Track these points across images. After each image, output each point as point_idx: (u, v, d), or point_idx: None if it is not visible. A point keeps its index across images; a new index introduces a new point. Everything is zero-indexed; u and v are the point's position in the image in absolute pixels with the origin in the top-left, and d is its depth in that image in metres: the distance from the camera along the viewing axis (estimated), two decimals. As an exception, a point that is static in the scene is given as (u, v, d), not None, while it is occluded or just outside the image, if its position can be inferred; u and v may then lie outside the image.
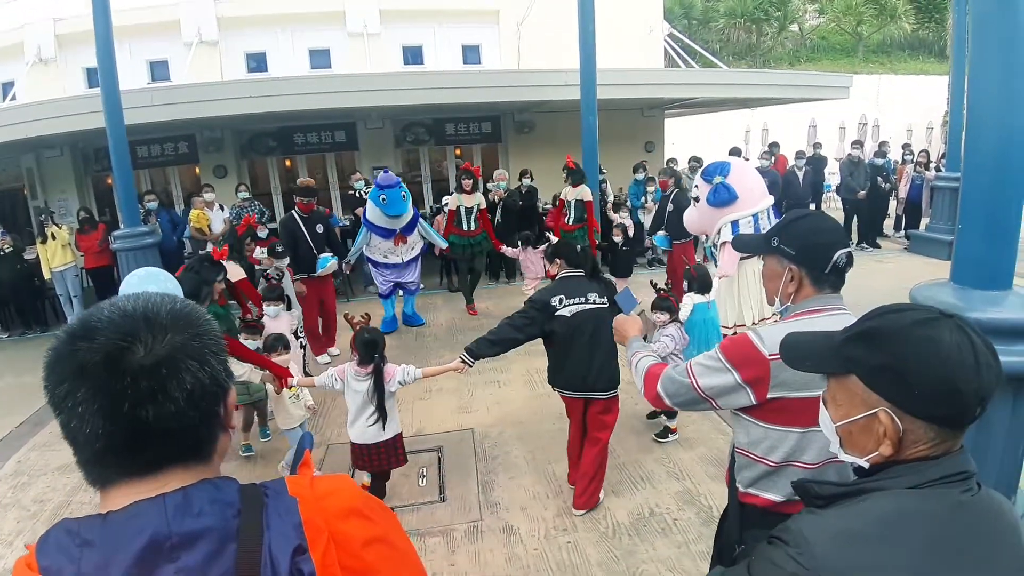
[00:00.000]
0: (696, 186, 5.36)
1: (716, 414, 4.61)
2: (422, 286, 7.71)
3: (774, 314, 3.74)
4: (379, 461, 3.56)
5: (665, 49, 14.63)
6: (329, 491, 0.84)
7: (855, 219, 10.91)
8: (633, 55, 13.09)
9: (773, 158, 11.04)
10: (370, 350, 3.46)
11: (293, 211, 6.39)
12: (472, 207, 7.78)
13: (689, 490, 3.76)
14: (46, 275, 8.31)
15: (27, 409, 5.68)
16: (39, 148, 10.40)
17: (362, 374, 3.49)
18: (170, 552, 0.71)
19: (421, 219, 7.19)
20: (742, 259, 4.92)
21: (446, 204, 9.03)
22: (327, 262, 6.23)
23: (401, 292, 7.36)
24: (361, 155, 11.91)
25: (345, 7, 12.30)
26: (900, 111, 19.40)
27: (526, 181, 9.56)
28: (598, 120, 8.75)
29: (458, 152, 12.82)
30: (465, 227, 7.79)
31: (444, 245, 7.64)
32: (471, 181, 7.75)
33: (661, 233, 7.79)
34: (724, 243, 5.02)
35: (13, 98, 10.87)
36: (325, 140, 11.71)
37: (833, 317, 1.63)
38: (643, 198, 9.99)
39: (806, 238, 1.69)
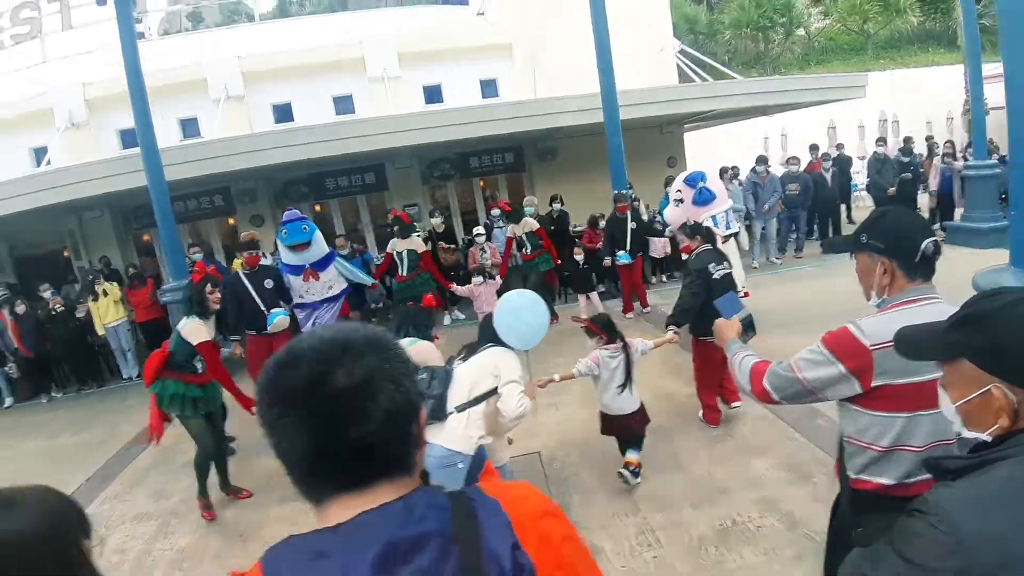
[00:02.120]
0: (679, 191, 6.69)
1: (782, 420, 4.59)
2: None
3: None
4: (631, 426, 4.04)
5: (678, 65, 14.78)
6: (522, 495, 0.89)
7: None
8: (647, 75, 13.23)
9: (802, 162, 11.01)
10: (613, 328, 4.04)
11: (239, 270, 6.22)
12: (403, 251, 7.97)
13: (766, 497, 3.71)
14: (99, 331, 8.56)
15: (92, 465, 5.83)
16: (80, 210, 10.80)
17: (612, 350, 3.96)
18: (404, 556, 0.76)
19: (339, 258, 6.87)
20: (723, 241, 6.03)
21: (479, 234, 9.18)
22: (275, 317, 5.88)
23: None
24: (391, 194, 12.16)
25: (364, 53, 12.68)
26: (916, 104, 19.21)
27: (556, 206, 9.67)
28: (603, 143, 8.98)
29: (482, 184, 13.03)
30: (402, 272, 8.00)
31: (369, 282, 7.57)
32: (399, 227, 8.11)
33: (621, 252, 8.27)
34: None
35: (48, 163, 11.31)
36: (355, 183, 11.99)
37: (930, 306, 1.71)
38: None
39: (893, 231, 1.79)
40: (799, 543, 3.23)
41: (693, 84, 13.33)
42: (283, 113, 12.92)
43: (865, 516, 1.78)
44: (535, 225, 8.49)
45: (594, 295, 8.42)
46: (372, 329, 0.88)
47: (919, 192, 11.46)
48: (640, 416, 4.06)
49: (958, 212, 10.78)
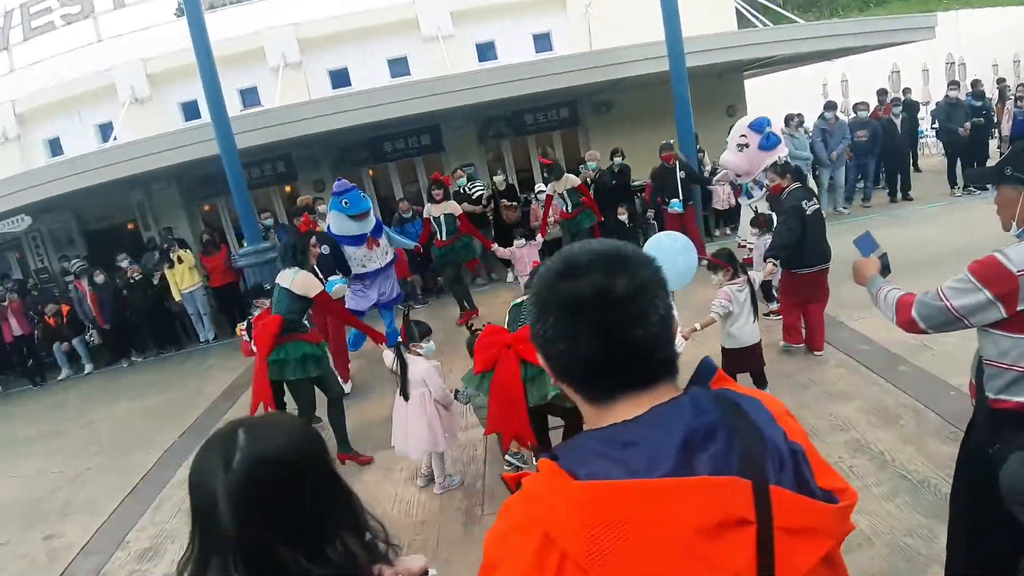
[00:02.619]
0: (743, 136, 6.94)
1: (864, 367, 4.68)
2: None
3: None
4: (758, 356, 4.25)
5: (736, 9, 14.16)
6: (769, 397, 0.93)
7: (958, 163, 10.21)
8: (705, 20, 12.68)
9: (871, 107, 10.51)
10: (736, 262, 4.23)
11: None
12: (440, 216, 7.67)
13: (856, 439, 3.74)
14: (176, 297, 8.92)
15: (183, 421, 6.15)
16: (147, 183, 11.16)
17: (739, 284, 4.17)
18: (701, 443, 0.80)
19: (384, 225, 6.86)
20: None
21: (540, 191, 9.13)
22: (334, 285, 5.54)
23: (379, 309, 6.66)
24: (448, 155, 12.14)
25: (417, 13, 12.55)
26: (983, 46, 17.99)
27: (617, 160, 9.50)
28: (660, 93, 8.71)
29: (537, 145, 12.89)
30: (440, 237, 7.71)
31: (412, 245, 7.55)
32: (441, 191, 7.71)
33: (675, 200, 8.16)
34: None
35: (114, 139, 11.69)
36: (412, 145, 12.01)
37: None
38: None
39: None
40: (892, 481, 3.30)
41: (756, 29, 12.72)
42: (340, 78, 12.94)
43: (1003, 433, 1.89)
44: (576, 181, 8.25)
45: None
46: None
47: (991, 138, 10.83)
48: (761, 347, 4.30)
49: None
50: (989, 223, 2.26)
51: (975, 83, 11.17)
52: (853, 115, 10.56)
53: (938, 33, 12.06)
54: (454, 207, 7.88)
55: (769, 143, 6.91)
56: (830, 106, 9.98)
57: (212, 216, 12.28)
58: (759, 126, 6.95)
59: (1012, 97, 10.65)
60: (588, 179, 9.07)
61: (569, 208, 8.24)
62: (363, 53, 12.70)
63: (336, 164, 11.91)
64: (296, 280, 4.00)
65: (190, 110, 12.47)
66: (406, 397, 3.75)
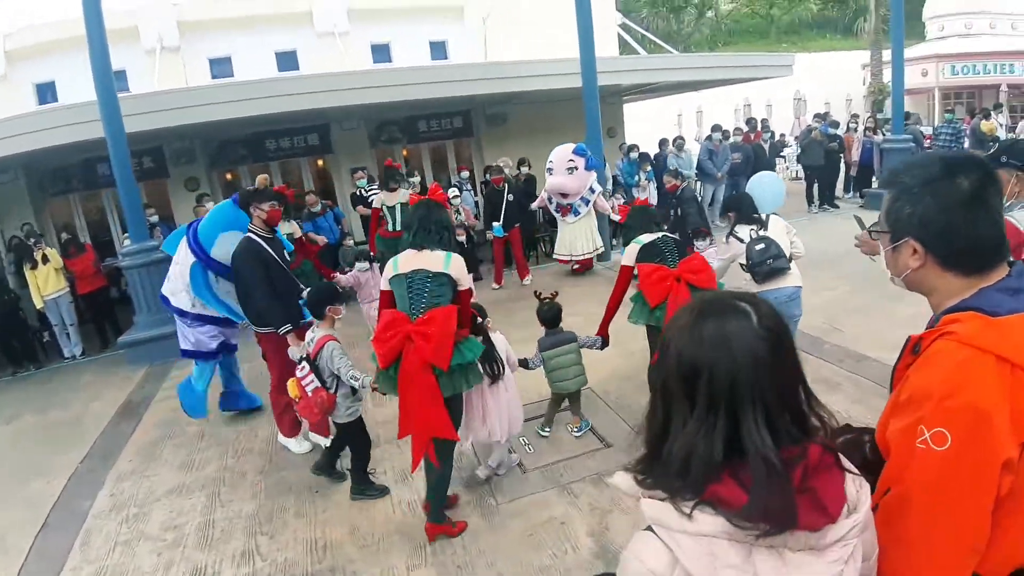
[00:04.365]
0: (571, 160, 8.08)
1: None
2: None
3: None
4: None
5: (618, 37, 15.13)
6: None
7: (815, 185, 11.75)
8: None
9: (745, 134, 11.73)
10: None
11: (249, 232, 4.30)
12: (395, 205, 7.39)
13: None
14: (37, 304, 7.64)
15: (79, 444, 5.27)
16: (-12, 173, 9.52)
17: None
18: None
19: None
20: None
21: (454, 196, 9.04)
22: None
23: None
24: (337, 157, 11.64)
25: (312, 6, 11.97)
26: (818, 86, 20.90)
27: (525, 169, 9.70)
28: (554, 111, 9.08)
29: (431, 152, 12.77)
30: (391, 228, 7.39)
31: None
32: (396, 185, 7.45)
33: (496, 224, 8.39)
34: (597, 193, 8.33)
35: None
36: (298, 144, 11.35)
37: None
38: (636, 176, 10.36)
39: None
40: None
41: (648, 56, 13.74)
42: (222, 68, 11.94)
43: None
44: (407, 197, 7.48)
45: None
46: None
47: (841, 161, 12.57)
48: None
49: (874, 181, 12.01)
50: (841, 231, 2.75)
51: (825, 115, 12.87)
52: (728, 140, 11.71)
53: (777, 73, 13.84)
54: (407, 196, 7.54)
55: (591, 165, 8.22)
56: (716, 128, 10.99)
57: (64, 214, 10.71)
58: (582, 151, 8.18)
59: (861, 128, 12.38)
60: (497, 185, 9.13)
61: (397, 226, 7.27)
62: (250, 43, 11.85)
63: (212, 161, 10.97)
64: (454, 264, 3.17)
65: (45, 92, 10.80)
66: (499, 377, 3.52)
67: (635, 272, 4.18)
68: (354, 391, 3.67)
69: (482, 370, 3.34)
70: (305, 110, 9.24)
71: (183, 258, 4.73)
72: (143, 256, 7.14)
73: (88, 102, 7.31)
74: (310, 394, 3.54)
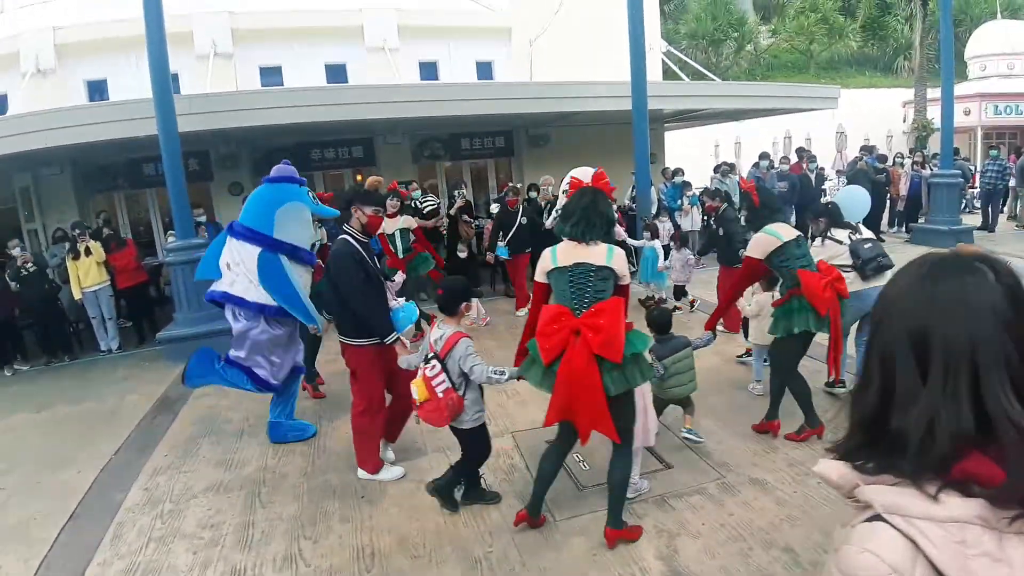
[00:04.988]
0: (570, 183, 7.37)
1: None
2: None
3: None
4: None
5: (663, 63, 15.13)
6: None
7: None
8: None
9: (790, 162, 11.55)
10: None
11: (348, 233, 3.88)
12: (396, 232, 7.07)
13: None
14: (76, 295, 7.63)
15: (114, 435, 5.17)
16: (36, 166, 9.66)
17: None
18: None
19: None
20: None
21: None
22: (408, 316, 4.03)
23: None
24: (380, 170, 11.62)
25: (364, 22, 12.15)
26: (858, 120, 20.67)
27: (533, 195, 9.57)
28: (594, 134, 8.99)
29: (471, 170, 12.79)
30: (398, 254, 7.06)
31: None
32: (397, 202, 7.01)
33: (501, 245, 7.86)
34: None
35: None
36: (342, 156, 11.41)
37: None
38: (679, 200, 10.21)
39: None
40: None
41: (693, 82, 13.67)
42: (272, 76, 12.12)
43: None
44: (412, 222, 7.37)
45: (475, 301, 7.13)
46: None
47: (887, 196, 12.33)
48: None
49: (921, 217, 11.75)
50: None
51: (872, 148, 12.69)
52: (776, 168, 11.54)
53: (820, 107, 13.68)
54: (409, 221, 7.32)
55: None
56: (764, 156, 10.85)
57: (106, 211, 10.82)
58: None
59: (908, 163, 12.16)
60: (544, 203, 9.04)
61: (400, 252, 7.17)
62: (300, 54, 12.03)
63: (256, 167, 11.04)
64: (616, 258, 3.02)
65: (96, 89, 11.02)
66: None
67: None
68: (481, 393, 3.41)
69: None
70: (351, 121, 9.27)
71: (241, 255, 4.30)
72: (187, 253, 7.11)
73: (142, 99, 7.40)
74: (440, 395, 3.21)
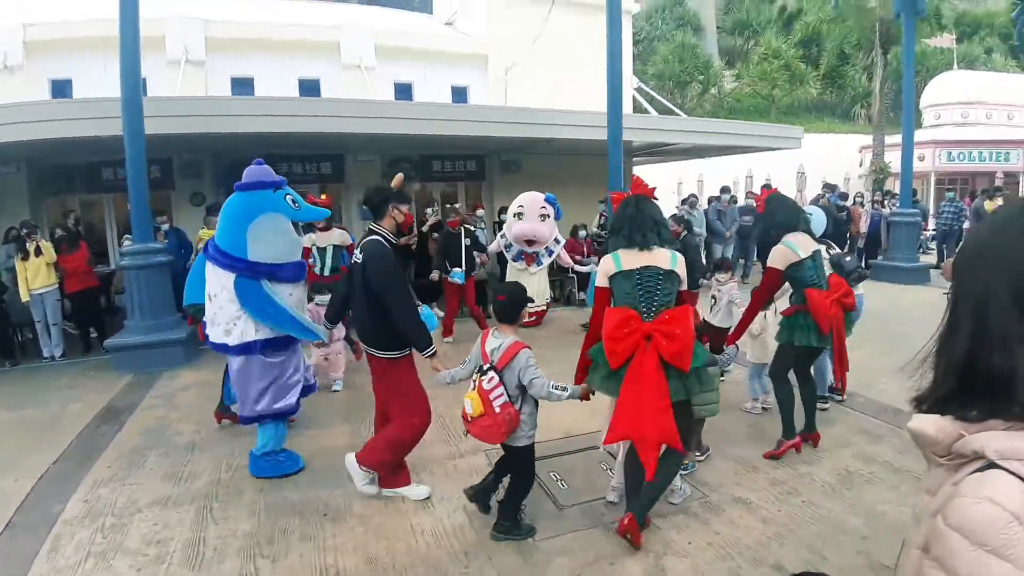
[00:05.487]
0: (544, 207, 8.08)
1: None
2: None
3: None
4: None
5: (633, 99, 15.43)
6: None
7: (821, 251, 11.82)
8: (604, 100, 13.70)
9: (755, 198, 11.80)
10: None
11: (379, 234, 3.54)
12: (327, 247, 6.80)
13: (860, 452, 4.16)
14: (24, 297, 7.17)
15: (54, 444, 4.79)
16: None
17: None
18: None
19: None
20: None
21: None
22: (431, 324, 3.70)
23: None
24: (347, 188, 11.47)
25: (340, 39, 12.05)
26: (816, 164, 21.45)
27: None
28: (565, 163, 8.98)
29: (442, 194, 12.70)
30: (322, 271, 6.69)
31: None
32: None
33: (457, 269, 7.69)
34: (561, 245, 8.40)
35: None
36: (310, 171, 11.15)
37: None
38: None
39: None
40: (910, 481, 3.72)
41: (666, 116, 13.90)
42: (243, 87, 11.86)
43: None
44: (347, 238, 7.02)
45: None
46: None
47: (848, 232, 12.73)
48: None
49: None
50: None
51: (834, 187, 13.11)
52: (741, 203, 11.80)
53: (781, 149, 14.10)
54: (344, 238, 6.96)
55: (559, 215, 8.36)
56: (725, 190, 11.06)
57: (60, 214, 10.31)
58: (553, 200, 8.21)
59: (869, 202, 12.59)
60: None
61: (326, 270, 6.79)
62: (274, 66, 11.83)
63: (220, 179, 10.72)
64: (680, 262, 3.02)
65: (61, 88, 10.62)
66: None
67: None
68: (536, 408, 3.15)
69: None
70: (322, 135, 9.09)
71: (220, 282, 3.87)
72: (144, 258, 6.81)
73: (109, 98, 7.12)
74: (498, 410, 2.97)
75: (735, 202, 11.42)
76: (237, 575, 3.03)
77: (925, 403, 0.93)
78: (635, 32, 24.96)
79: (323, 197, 7.18)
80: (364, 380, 6.17)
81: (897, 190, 13.15)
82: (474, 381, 3.10)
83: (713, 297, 5.39)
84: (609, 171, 9.10)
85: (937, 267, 12.11)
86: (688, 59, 25.87)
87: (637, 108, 15.63)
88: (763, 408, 4.95)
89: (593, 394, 3.17)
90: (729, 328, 5.07)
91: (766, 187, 12.95)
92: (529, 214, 7.98)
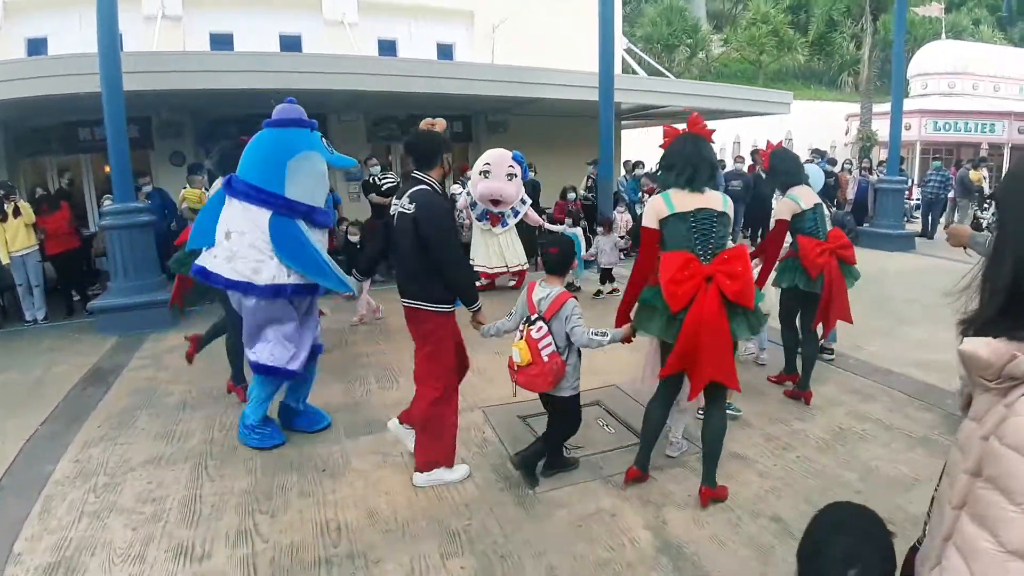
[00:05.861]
0: (511, 166, 7.56)
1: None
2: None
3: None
4: None
5: (623, 60, 15.20)
6: None
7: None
8: (593, 60, 13.48)
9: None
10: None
11: (427, 183, 3.23)
12: None
13: (853, 411, 4.21)
14: (3, 260, 6.97)
15: (41, 406, 4.70)
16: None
17: None
18: None
19: None
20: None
21: (457, 192, 8.72)
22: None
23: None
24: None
25: (323, -8, 11.69)
26: (803, 131, 21.43)
27: (530, 174, 9.44)
28: (553, 125, 8.75)
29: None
30: None
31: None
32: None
33: None
34: (527, 205, 7.99)
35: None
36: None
37: None
38: (639, 194, 10.24)
39: None
40: (902, 439, 3.79)
41: (655, 78, 13.73)
42: (222, 43, 11.49)
43: None
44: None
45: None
46: None
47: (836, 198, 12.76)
48: None
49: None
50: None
51: (823, 152, 13.11)
52: (729, 168, 11.74)
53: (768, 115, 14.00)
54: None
55: (526, 174, 7.98)
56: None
57: (37, 177, 10.04)
58: (520, 159, 7.74)
59: (856, 168, 12.60)
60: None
61: None
62: (254, 22, 11.44)
63: (200, 138, 10.44)
64: (730, 204, 3.02)
65: (37, 47, 10.23)
66: None
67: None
68: (580, 359, 3.17)
69: None
70: (305, 92, 8.76)
71: (247, 221, 3.52)
72: (126, 217, 6.63)
73: (85, 54, 6.84)
74: (546, 359, 2.98)
75: (724, 167, 11.38)
76: (236, 531, 3.00)
77: (973, 326, 0.93)
78: (623, -7, 24.53)
79: None
80: (355, 339, 6.26)
81: (883, 158, 13.19)
82: (520, 331, 3.10)
83: None
84: (600, 132, 9.06)
85: (922, 235, 12.21)
86: (676, 22, 25.51)
87: (626, 70, 15.42)
88: (758, 364, 5.03)
89: (634, 336, 3.16)
90: None
91: (755, 154, 12.93)
92: (496, 172, 7.54)
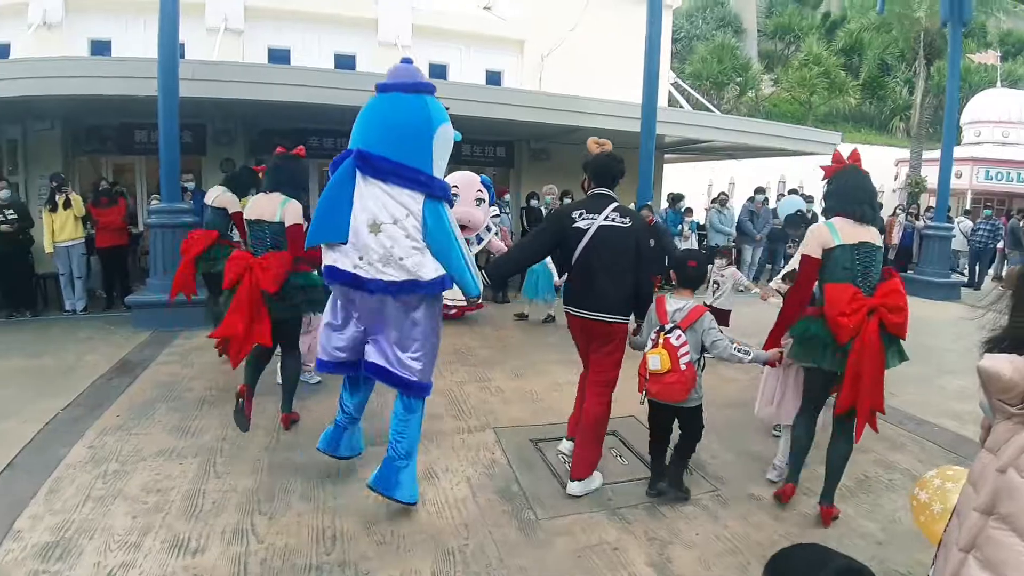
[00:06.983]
0: (480, 191, 7.35)
1: None
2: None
3: None
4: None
5: (669, 94, 15.22)
6: None
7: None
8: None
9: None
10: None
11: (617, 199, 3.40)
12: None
13: (879, 459, 4.04)
14: (47, 248, 7.25)
15: (66, 391, 4.82)
16: (28, 119, 9.31)
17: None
18: None
19: None
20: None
21: (495, 215, 8.72)
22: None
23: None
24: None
25: (378, 15, 12.08)
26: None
27: (568, 200, 9.47)
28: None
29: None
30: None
31: None
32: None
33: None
34: (492, 232, 7.71)
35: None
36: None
37: None
38: (679, 226, 10.14)
39: None
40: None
41: (700, 112, 13.65)
42: (280, 59, 11.94)
43: None
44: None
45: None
46: None
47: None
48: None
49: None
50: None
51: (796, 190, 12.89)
52: (773, 205, 11.54)
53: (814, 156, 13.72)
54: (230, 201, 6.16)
55: (492, 200, 7.79)
56: (759, 190, 10.82)
57: (92, 173, 10.44)
58: (488, 183, 7.59)
59: (901, 212, 12.27)
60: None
61: None
62: (311, 39, 11.87)
63: (251, 148, 10.76)
64: (881, 237, 3.21)
65: (99, 48, 10.75)
66: None
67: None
68: (702, 368, 3.19)
69: None
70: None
71: (400, 209, 2.84)
72: (171, 216, 6.84)
73: (146, 58, 7.14)
74: (683, 367, 2.98)
75: (767, 203, 11.18)
76: (233, 529, 2.99)
77: (1002, 343, 0.89)
78: (675, 29, 24.61)
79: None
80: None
81: (932, 204, 12.79)
82: (652, 340, 3.11)
83: (716, 283, 5.87)
84: (639, 163, 8.98)
85: (968, 286, 11.72)
86: (727, 60, 25.41)
87: (672, 103, 15.40)
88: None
89: (780, 361, 3.26)
90: (730, 312, 5.79)
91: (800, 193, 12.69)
92: (464, 197, 7.05)
